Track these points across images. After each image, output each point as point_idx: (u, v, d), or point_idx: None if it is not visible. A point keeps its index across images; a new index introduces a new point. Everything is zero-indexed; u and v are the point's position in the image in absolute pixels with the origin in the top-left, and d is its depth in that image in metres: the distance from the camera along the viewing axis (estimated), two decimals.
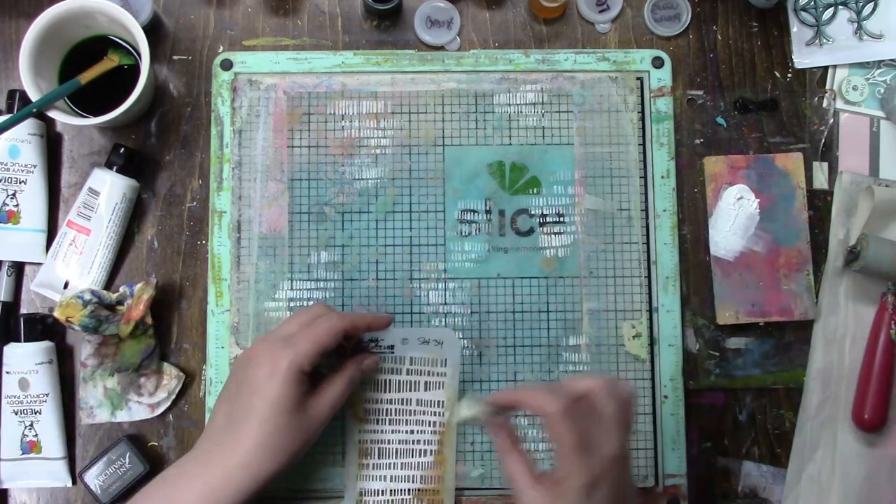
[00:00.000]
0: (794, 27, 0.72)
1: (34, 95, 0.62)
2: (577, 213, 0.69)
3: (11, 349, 0.65)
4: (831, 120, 0.71)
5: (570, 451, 0.50)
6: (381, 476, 0.64)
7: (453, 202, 0.69)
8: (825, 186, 0.70)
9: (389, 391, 0.63)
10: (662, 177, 0.69)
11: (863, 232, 0.68)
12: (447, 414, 0.64)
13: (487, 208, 0.69)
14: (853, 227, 0.69)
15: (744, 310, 0.68)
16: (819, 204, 0.70)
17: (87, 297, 0.63)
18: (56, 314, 0.63)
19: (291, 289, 0.67)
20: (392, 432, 0.64)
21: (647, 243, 0.68)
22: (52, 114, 0.63)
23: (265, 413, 0.54)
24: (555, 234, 0.68)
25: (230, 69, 0.69)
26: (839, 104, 0.71)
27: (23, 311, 0.68)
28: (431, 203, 0.69)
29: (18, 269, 0.68)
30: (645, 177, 0.69)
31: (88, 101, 0.66)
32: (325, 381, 0.58)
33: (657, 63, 0.70)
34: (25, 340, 0.65)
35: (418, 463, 0.64)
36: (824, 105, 0.71)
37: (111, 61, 0.66)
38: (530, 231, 0.68)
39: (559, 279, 0.68)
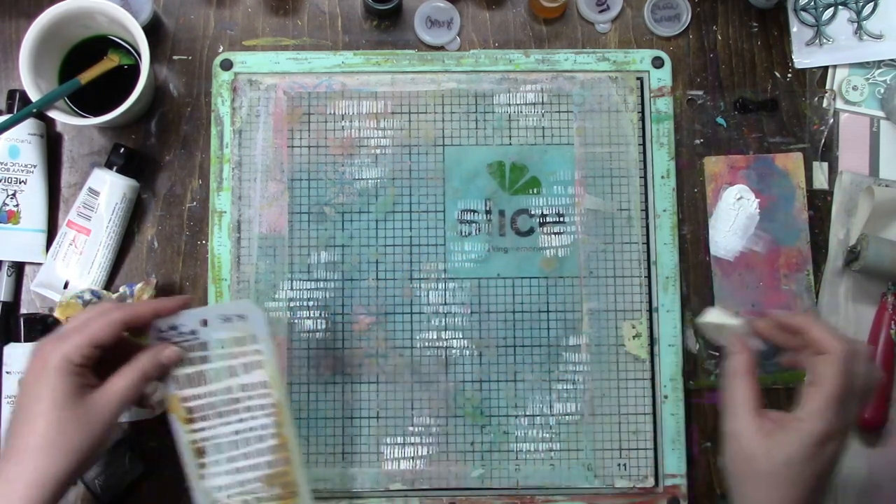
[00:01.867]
0: (794, 27, 0.72)
1: (34, 95, 0.62)
2: (577, 213, 0.69)
3: (11, 349, 0.65)
4: (831, 120, 0.71)
5: (832, 396, 0.48)
6: (224, 471, 0.58)
7: (453, 202, 0.69)
8: (825, 186, 0.70)
9: (208, 383, 0.57)
10: (662, 177, 0.69)
11: (863, 232, 0.68)
12: (699, 318, 0.58)
13: (487, 208, 0.69)
14: (853, 227, 0.69)
15: (744, 310, 0.68)
16: (819, 204, 0.70)
17: (87, 297, 0.63)
18: (56, 314, 0.63)
19: (291, 289, 0.67)
20: (223, 425, 0.58)
21: (647, 243, 0.68)
22: (52, 114, 0.63)
23: (37, 410, 0.49)
24: (555, 234, 0.68)
25: (230, 69, 0.69)
26: (839, 104, 0.71)
27: (23, 311, 0.68)
28: (431, 203, 0.69)
29: (18, 269, 0.68)
30: (645, 177, 0.69)
31: (88, 101, 0.66)
32: (113, 374, 0.53)
33: (657, 63, 0.70)
34: (25, 340, 0.65)
35: (259, 450, 0.58)
36: (824, 105, 0.71)
37: (111, 61, 0.66)
38: (530, 231, 0.68)
39: (559, 279, 0.68)
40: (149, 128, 0.70)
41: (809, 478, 0.48)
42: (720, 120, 0.71)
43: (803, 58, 0.72)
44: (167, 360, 0.55)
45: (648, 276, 0.68)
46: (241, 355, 0.57)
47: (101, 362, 0.53)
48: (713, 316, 0.56)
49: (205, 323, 0.57)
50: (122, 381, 0.52)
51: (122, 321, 0.52)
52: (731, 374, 0.52)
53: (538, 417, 0.67)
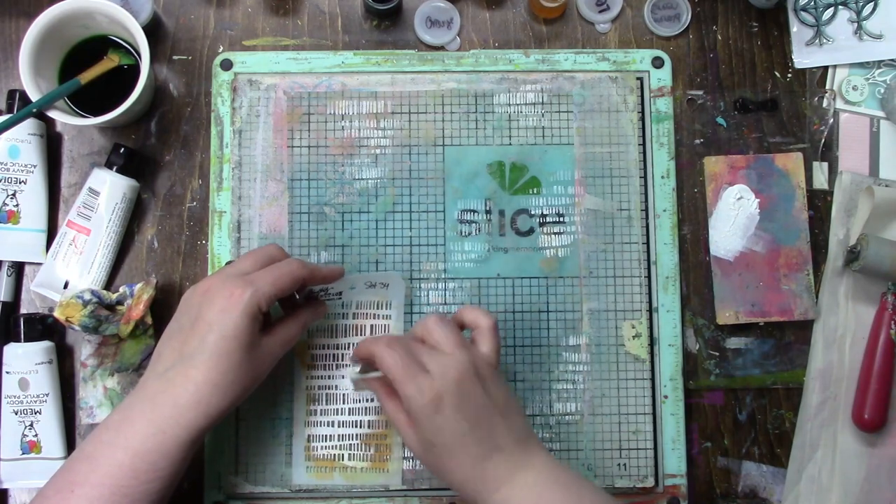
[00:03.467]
0: (794, 27, 0.72)
1: (34, 95, 0.62)
2: (577, 213, 0.69)
3: (11, 349, 0.65)
4: (831, 120, 0.71)
5: (401, 376, 0.53)
6: (328, 422, 0.64)
7: (453, 202, 0.69)
8: (825, 186, 0.70)
9: (336, 336, 0.64)
10: (662, 177, 0.69)
11: (863, 232, 0.68)
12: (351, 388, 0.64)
13: (487, 208, 0.69)
14: (853, 227, 0.69)
15: (744, 310, 0.68)
16: (819, 204, 0.70)
17: (87, 297, 0.63)
18: (56, 314, 0.63)
19: None
20: (340, 377, 0.64)
21: (647, 243, 0.68)
22: (52, 114, 0.63)
23: (220, 349, 0.53)
24: (555, 234, 0.68)
25: (230, 69, 0.69)
26: (839, 104, 0.71)
27: (23, 311, 0.68)
28: (431, 203, 0.69)
29: (18, 269, 0.68)
30: (645, 177, 0.69)
31: (88, 101, 0.66)
32: (278, 322, 0.58)
33: (657, 63, 0.70)
34: (25, 340, 0.65)
35: (366, 408, 0.64)
36: (824, 105, 0.71)
37: (111, 61, 0.66)
38: (530, 231, 0.68)
39: (559, 279, 0.68)
40: (149, 128, 0.70)
41: (455, 437, 0.53)
42: (720, 120, 0.71)
43: (803, 58, 0.72)
44: (320, 314, 0.62)
45: (648, 276, 0.68)
46: (372, 317, 0.64)
47: None
48: (350, 375, 0.62)
49: (352, 288, 0.63)
50: (288, 331, 0.58)
51: (303, 279, 0.57)
52: (381, 401, 0.58)
53: (538, 417, 0.67)
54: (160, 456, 0.52)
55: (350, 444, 0.64)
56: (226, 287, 0.54)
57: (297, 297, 0.62)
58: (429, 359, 0.54)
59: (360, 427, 0.64)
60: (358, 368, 0.61)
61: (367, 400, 0.64)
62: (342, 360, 0.65)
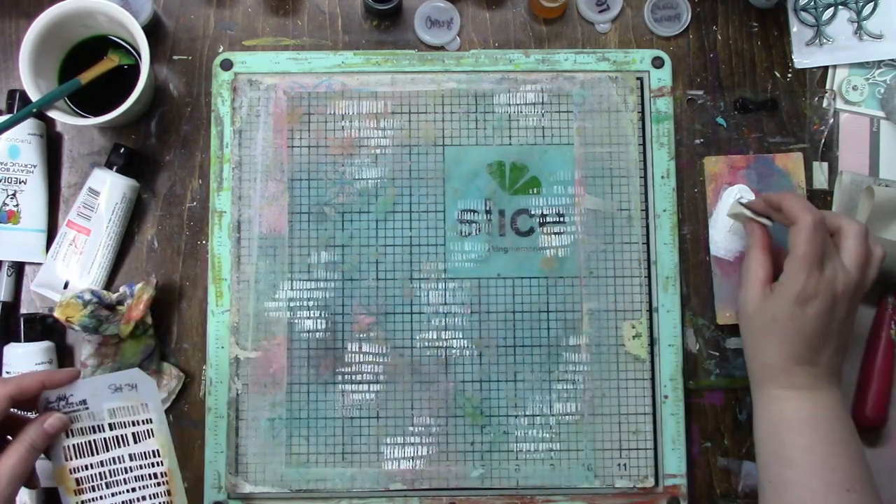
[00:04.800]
0: (794, 27, 0.72)
1: (34, 95, 0.62)
2: (577, 213, 0.69)
3: (11, 349, 0.65)
4: (831, 120, 0.71)
5: (800, 260, 0.56)
6: None
7: (453, 202, 0.69)
8: (825, 186, 0.70)
9: (97, 453, 0.57)
10: (662, 177, 0.69)
11: None
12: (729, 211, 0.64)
13: (487, 208, 0.69)
14: None
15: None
16: (819, 204, 0.70)
17: (87, 297, 0.63)
18: (56, 314, 0.63)
19: (291, 289, 0.67)
20: (113, 496, 0.57)
21: (647, 243, 0.68)
22: (52, 114, 0.63)
23: None
24: (555, 234, 0.68)
25: (230, 69, 0.69)
26: (839, 104, 0.71)
27: (23, 311, 0.68)
28: (431, 203, 0.69)
29: (18, 269, 0.68)
30: (645, 177, 0.69)
31: (88, 101, 0.66)
32: (1, 452, 0.52)
33: (657, 63, 0.70)
34: (25, 340, 0.65)
35: None
36: (824, 105, 0.71)
37: (111, 61, 0.66)
38: (530, 231, 0.68)
39: (559, 279, 0.68)
40: (149, 128, 0.70)
41: (795, 334, 0.57)
42: (720, 120, 0.71)
43: (803, 58, 0.72)
44: (52, 428, 0.54)
45: (648, 276, 0.68)
46: (132, 424, 0.58)
47: None
48: (736, 208, 0.63)
49: (94, 392, 0.56)
50: (10, 459, 0.51)
51: (7, 396, 0.51)
52: (748, 249, 0.61)
53: (538, 417, 0.67)
54: None
55: None
56: None
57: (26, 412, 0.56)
58: (831, 263, 0.57)
59: None
60: (740, 206, 0.62)
61: None
62: (111, 476, 0.57)
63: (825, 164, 0.71)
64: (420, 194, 0.69)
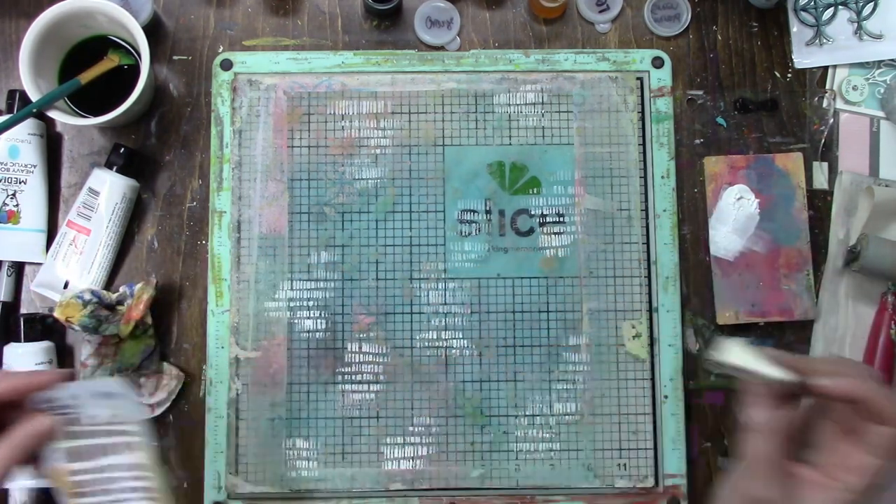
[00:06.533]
0: (794, 27, 0.72)
1: (34, 95, 0.62)
2: (577, 213, 0.69)
3: (11, 349, 0.65)
4: (831, 120, 0.71)
5: (878, 471, 0.43)
6: None
7: (453, 202, 0.69)
8: (825, 186, 0.70)
9: (85, 459, 0.55)
10: (662, 177, 0.69)
11: (863, 232, 0.68)
12: (713, 353, 0.47)
13: (487, 208, 0.69)
14: (853, 227, 0.69)
15: (744, 310, 0.68)
16: (819, 204, 0.70)
17: (87, 297, 0.63)
18: (56, 314, 0.63)
19: (291, 289, 0.67)
20: (112, 502, 0.55)
21: (647, 243, 0.68)
22: (52, 114, 0.63)
23: None
24: (555, 234, 0.68)
25: (230, 69, 0.69)
26: (839, 104, 0.71)
27: (23, 311, 0.68)
28: (431, 203, 0.69)
29: (18, 269, 0.68)
30: (645, 177, 0.69)
31: (88, 101, 0.66)
32: None
33: (657, 63, 0.70)
34: (25, 340, 0.65)
35: None
36: (824, 105, 0.71)
37: (111, 61, 0.66)
38: (530, 231, 0.68)
39: (559, 279, 0.68)
40: (149, 128, 0.70)
41: None
42: (720, 120, 0.71)
43: (803, 58, 0.72)
44: (40, 431, 0.51)
45: (648, 276, 0.68)
46: (115, 434, 0.55)
47: None
48: (736, 357, 0.45)
49: (75, 398, 0.54)
50: None
51: None
52: (754, 429, 0.46)
53: (538, 417, 0.67)
54: None
55: None
56: None
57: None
58: None
59: None
60: (747, 349, 0.46)
61: None
62: (104, 484, 0.55)
63: (825, 164, 0.71)
64: (420, 194, 0.69)
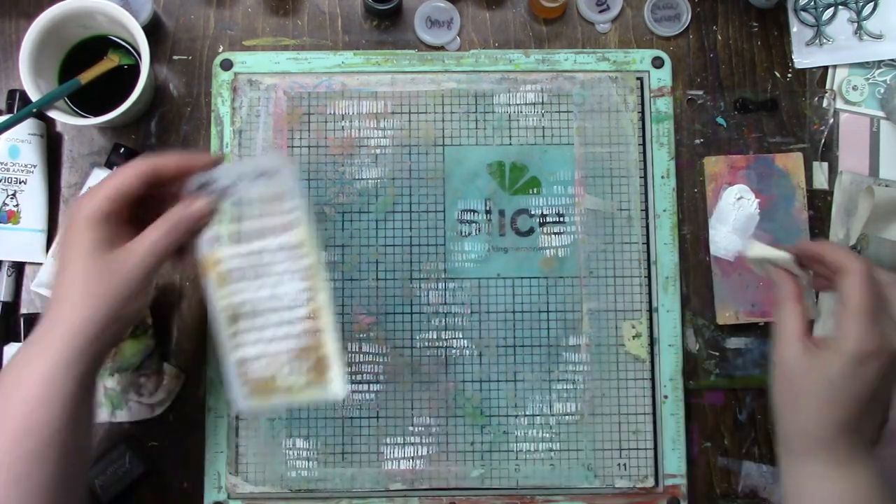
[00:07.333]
0: (794, 27, 0.72)
1: (34, 95, 0.62)
2: (577, 213, 0.69)
3: (11, 349, 0.65)
4: (831, 120, 0.71)
5: (858, 313, 0.49)
6: (255, 340, 0.56)
7: (453, 202, 0.69)
8: (825, 186, 0.70)
9: (241, 243, 0.56)
10: (662, 177, 0.69)
11: (863, 232, 0.68)
12: (748, 253, 0.58)
13: (487, 208, 0.69)
14: (853, 227, 0.69)
15: (744, 310, 0.68)
16: (819, 204, 0.70)
17: None
18: None
19: None
20: (257, 289, 0.56)
21: (647, 243, 0.68)
22: (52, 114, 0.63)
23: (68, 262, 0.51)
24: (555, 234, 0.68)
25: (230, 69, 0.69)
26: (839, 104, 0.71)
27: (23, 311, 0.68)
28: (431, 203, 0.69)
29: (18, 269, 0.68)
30: (645, 177, 0.69)
31: (88, 101, 0.66)
32: (148, 227, 0.54)
33: (657, 63, 0.70)
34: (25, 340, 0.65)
35: (291, 318, 0.56)
36: (824, 105, 0.71)
37: (111, 61, 0.66)
38: (530, 231, 0.68)
39: (559, 279, 0.68)
40: (149, 128, 0.70)
41: (849, 398, 0.50)
42: (720, 120, 0.71)
43: (803, 58, 0.72)
44: (196, 212, 0.54)
45: (648, 276, 0.68)
46: (276, 214, 0.56)
47: (140, 220, 0.53)
48: (758, 250, 0.57)
49: (239, 178, 0.55)
50: (152, 233, 0.53)
51: (148, 170, 0.53)
52: (779, 302, 0.54)
53: (538, 417, 0.67)
54: (46, 387, 0.49)
55: (282, 361, 0.56)
56: (72, 207, 0.54)
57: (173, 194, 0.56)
58: (883, 318, 0.50)
59: (292, 340, 0.56)
60: (764, 247, 0.56)
61: (289, 309, 0.56)
62: (255, 268, 0.56)
63: (825, 164, 0.71)
64: (420, 194, 0.69)
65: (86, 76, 0.65)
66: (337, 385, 0.56)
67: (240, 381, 0.56)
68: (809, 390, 0.51)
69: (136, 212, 0.54)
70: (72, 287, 0.51)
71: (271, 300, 0.56)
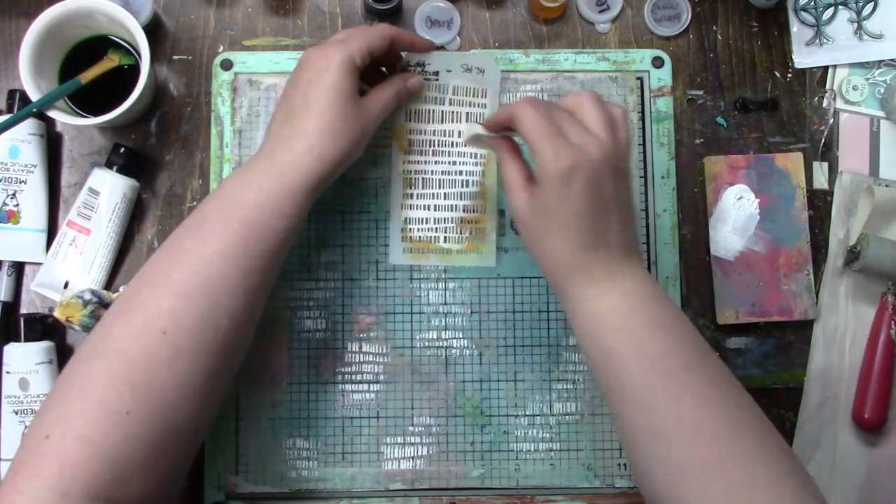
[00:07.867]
0: (794, 27, 0.72)
1: (34, 95, 0.62)
2: None
3: (11, 349, 0.65)
4: (831, 120, 0.71)
5: (539, 139, 0.52)
6: (424, 206, 0.66)
7: None
8: (825, 186, 0.70)
9: (432, 122, 0.66)
10: (662, 177, 0.69)
11: (863, 232, 0.68)
12: (462, 138, 0.67)
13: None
14: (853, 227, 0.69)
15: (744, 310, 0.68)
16: (819, 204, 0.70)
17: (87, 296, 0.63)
18: (56, 314, 0.63)
19: (291, 289, 0.67)
20: (435, 163, 0.66)
21: (647, 243, 0.68)
22: (52, 114, 0.63)
23: (323, 101, 0.56)
24: None
25: (230, 69, 0.69)
26: (839, 104, 0.71)
27: (23, 311, 0.68)
28: None
29: (18, 269, 0.68)
30: (645, 177, 0.69)
31: (88, 101, 0.66)
32: (374, 88, 0.61)
33: (657, 63, 0.70)
34: (25, 340, 0.65)
35: (461, 193, 0.66)
36: (824, 105, 0.71)
37: (111, 61, 0.66)
38: None
39: None
40: (149, 128, 0.70)
41: (574, 216, 0.53)
42: (720, 120, 0.71)
43: (803, 58, 0.72)
44: (412, 87, 0.64)
45: None
46: (469, 105, 0.66)
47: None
48: (467, 130, 0.60)
49: (448, 69, 0.66)
50: (383, 93, 0.61)
51: (392, 35, 0.61)
52: (500, 161, 0.58)
53: (538, 417, 0.67)
54: (283, 195, 0.55)
55: (446, 227, 0.66)
56: (320, 50, 0.58)
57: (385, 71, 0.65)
58: (575, 131, 0.53)
59: (456, 211, 0.66)
60: (472, 126, 0.60)
61: (462, 185, 0.66)
62: (438, 146, 0.67)
63: (825, 164, 0.71)
64: None
65: (86, 76, 0.65)
66: (489, 256, 0.67)
67: (401, 237, 0.66)
68: (544, 227, 0.54)
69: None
70: (323, 124, 0.56)
71: (444, 175, 0.67)
